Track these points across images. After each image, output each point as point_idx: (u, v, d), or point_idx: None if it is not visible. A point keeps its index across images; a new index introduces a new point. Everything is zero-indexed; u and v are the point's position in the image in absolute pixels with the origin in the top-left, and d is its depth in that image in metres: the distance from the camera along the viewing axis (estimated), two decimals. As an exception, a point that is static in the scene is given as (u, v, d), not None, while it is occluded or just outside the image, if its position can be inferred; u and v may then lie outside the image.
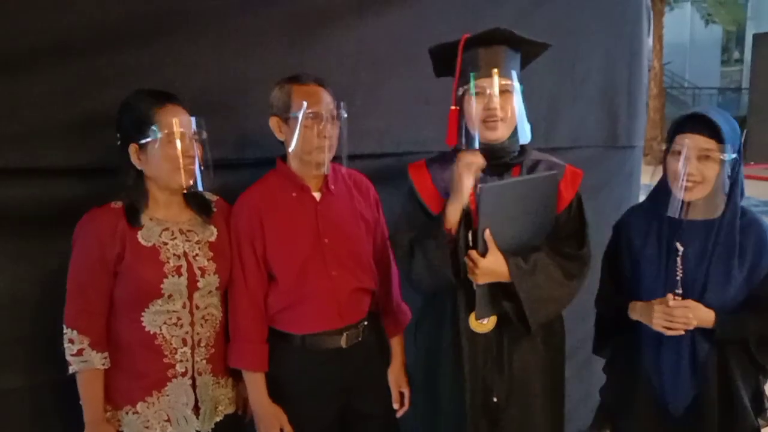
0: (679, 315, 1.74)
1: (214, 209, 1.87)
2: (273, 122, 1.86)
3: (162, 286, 1.72)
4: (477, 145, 1.74)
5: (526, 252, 1.77)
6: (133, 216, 1.73)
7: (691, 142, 1.71)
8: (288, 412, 1.90)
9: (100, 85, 1.85)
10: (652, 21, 3.26)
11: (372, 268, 1.97)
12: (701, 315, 1.75)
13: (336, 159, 1.90)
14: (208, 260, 1.81)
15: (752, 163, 13.45)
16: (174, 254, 1.76)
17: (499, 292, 1.76)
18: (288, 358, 1.90)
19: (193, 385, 1.80)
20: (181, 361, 1.78)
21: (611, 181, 2.98)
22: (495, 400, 1.82)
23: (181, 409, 1.79)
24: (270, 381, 1.89)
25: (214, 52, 2.02)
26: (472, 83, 1.73)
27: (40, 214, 1.83)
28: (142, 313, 1.74)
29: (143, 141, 1.69)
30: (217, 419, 1.86)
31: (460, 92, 1.79)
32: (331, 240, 1.89)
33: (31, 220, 1.82)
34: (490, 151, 1.77)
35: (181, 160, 1.69)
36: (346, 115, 1.86)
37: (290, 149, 1.84)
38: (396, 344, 2.07)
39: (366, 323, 1.97)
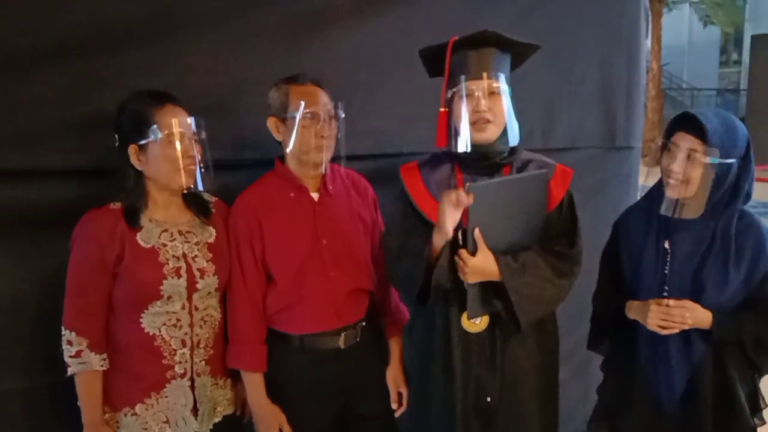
0: (676, 315, 1.75)
1: (213, 210, 1.87)
2: (271, 123, 1.87)
3: (161, 287, 1.72)
4: (468, 148, 1.75)
5: (517, 251, 1.77)
6: (132, 217, 1.73)
7: (679, 141, 1.73)
8: (287, 413, 1.90)
9: (99, 86, 1.85)
10: (650, 22, 3.26)
11: (370, 268, 1.97)
12: (698, 315, 1.75)
13: (334, 159, 1.91)
14: (207, 261, 1.81)
15: (750, 164, 13.49)
16: (173, 255, 1.76)
17: (490, 291, 1.77)
18: (286, 358, 1.90)
19: (192, 387, 1.80)
20: (180, 362, 1.78)
21: (609, 182, 2.98)
22: (488, 400, 1.83)
23: (180, 411, 1.79)
24: (268, 381, 1.90)
25: (212, 53, 2.02)
26: (461, 86, 1.75)
27: (39, 215, 1.83)
28: (142, 315, 1.73)
29: (143, 142, 1.69)
30: (216, 420, 1.86)
31: (449, 94, 1.80)
32: (329, 241, 1.89)
33: (30, 221, 1.82)
34: (479, 152, 1.78)
35: (181, 161, 1.69)
36: (343, 116, 1.86)
37: (288, 150, 1.84)
38: (394, 344, 2.07)
39: (364, 324, 1.97)
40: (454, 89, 1.77)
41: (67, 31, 1.80)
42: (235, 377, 1.92)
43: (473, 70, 1.75)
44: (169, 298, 1.74)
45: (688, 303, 1.76)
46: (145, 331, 1.74)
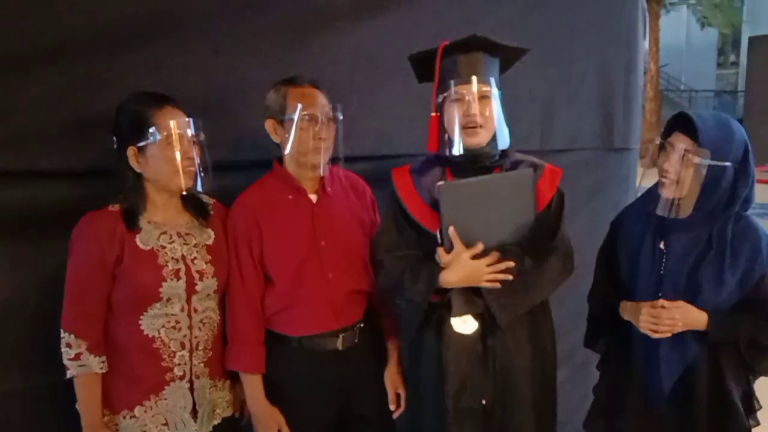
0: (666, 317, 1.75)
1: (211, 212, 1.87)
2: (269, 124, 1.87)
3: (160, 289, 1.72)
4: (459, 152, 1.77)
5: (494, 248, 1.77)
6: (131, 219, 1.73)
7: (674, 141, 1.74)
8: (285, 414, 1.90)
9: (98, 88, 1.85)
10: (648, 23, 3.27)
11: (368, 270, 1.97)
12: (694, 316, 1.76)
13: (333, 161, 1.91)
14: (206, 263, 1.81)
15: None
16: (172, 258, 1.75)
17: (470, 289, 1.77)
18: (285, 359, 1.90)
19: (191, 389, 1.80)
20: (179, 364, 1.78)
21: (607, 183, 2.99)
22: (483, 402, 1.82)
23: (179, 413, 1.78)
24: (267, 383, 1.90)
25: (211, 55, 2.02)
26: (451, 90, 1.76)
27: (38, 216, 1.83)
28: (141, 317, 1.73)
29: (142, 143, 1.69)
30: (215, 422, 1.86)
31: (440, 99, 1.80)
32: (327, 242, 1.89)
33: (29, 222, 1.82)
34: (470, 156, 1.79)
35: (180, 162, 1.69)
36: (341, 117, 1.86)
37: (286, 151, 1.85)
38: (392, 345, 2.07)
39: (362, 325, 1.97)
40: (445, 94, 1.78)
41: (66, 32, 1.80)
42: (233, 379, 1.92)
43: (463, 74, 1.76)
44: (168, 300, 1.74)
45: (681, 304, 1.76)
46: (144, 333, 1.74)
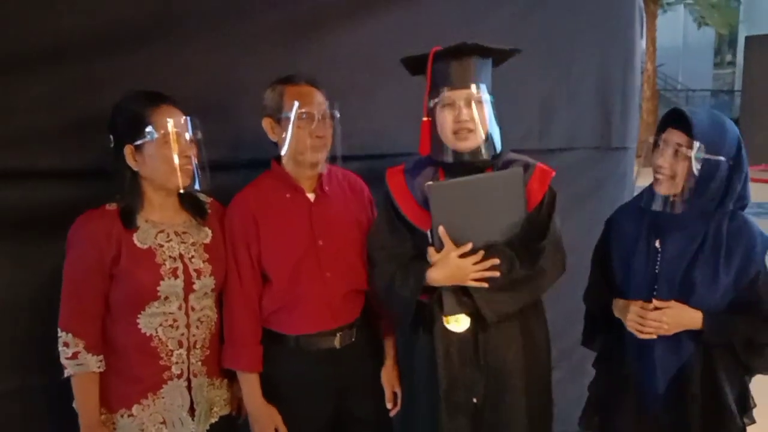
0: (652, 317, 1.76)
1: (209, 211, 1.87)
2: (266, 123, 1.87)
3: (158, 288, 1.72)
4: (450, 159, 1.79)
5: (485, 247, 1.77)
6: (128, 218, 1.72)
7: (667, 137, 1.75)
8: (282, 413, 1.91)
9: (96, 88, 1.85)
10: (645, 23, 3.26)
11: (366, 269, 1.97)
12: (688, 316, 1.76)
13: (330, 159, 1.91)
14: (203, 262, 1.81)
15: (745, 164, 13.51)
16: (170, 256, 1.75)
17: (461, 289, 1.78)
18: (282, 358, 1.90)
19: (189, 387, 1.80)
20: (177, 363, 1.78)
21: (605, 183, 2.99)
22: (474, 400, 1.83)
23: (177, 411, 1.79)
24: (264, 381, 1.90)
25: (208, 54, 2.02)
26: (443, 96, 1.76)
27: (35, 216, 1.83)
28: (138, 316, 1.73)
29: (139, 142, 1.68)
30: (213, 421, 1.86)
31: (431, 104, 1.80)
32: (325, 241, 1.90)
33: (26, 222, 1.82)
34: (462, 160, 1.80)
35: (177, 161, 1.69)
36: (338, 115, 1.86)
37: (283, 150, 1.85)
38: (389, 344, 2.07)
39: (359, 324, 1.98)
40: (436, 99, 1.79)
41: (64, 32, 1.81)
42: (231, 377, 1.92)
43: (454, 80, 1.77)
44: (166, 298, 1.74)
45: (674, 304, 1.77)
46: (142, 332, 1.74)
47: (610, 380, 1.99)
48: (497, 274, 1.74)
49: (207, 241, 1.84)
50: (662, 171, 1.75)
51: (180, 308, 1.77)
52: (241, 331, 1.87)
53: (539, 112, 2.74)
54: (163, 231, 1.77)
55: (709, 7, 19.37)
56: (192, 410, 1.81)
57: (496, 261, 1.74)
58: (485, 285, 1.75)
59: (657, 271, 1.82)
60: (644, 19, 3.20)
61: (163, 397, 1.77)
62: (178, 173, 1.70)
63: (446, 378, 1.82)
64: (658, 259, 1.82)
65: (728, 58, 23.79)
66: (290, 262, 1.87)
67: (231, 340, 1.87)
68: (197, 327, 1.81)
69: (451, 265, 1.74)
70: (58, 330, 1.70)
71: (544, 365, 1.95)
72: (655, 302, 1.78)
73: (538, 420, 1.90)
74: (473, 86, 1.77)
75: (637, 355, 1.88)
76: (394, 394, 2.05)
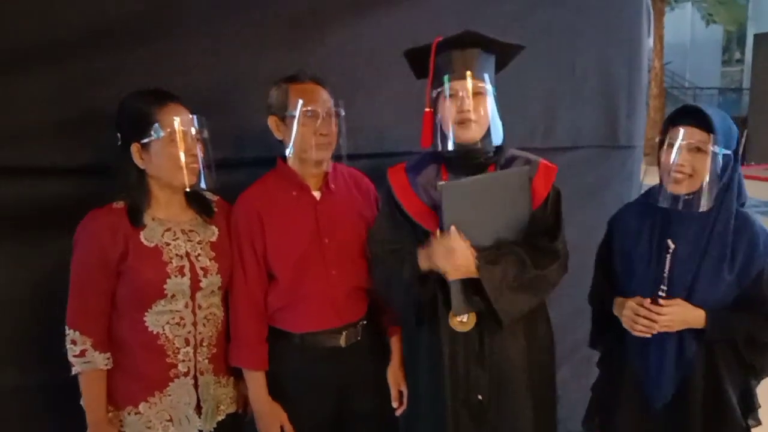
0: (645, 315, 1.76)
1: (215, 209, 1.88)
2: (271, 121, 1.87)
3: (165, 286, 1.73)
4: (452, 148, 1.77)
5: (496, 247, 1.77)
6: (135, 216, 1.73)
7: (683, 134, 1.73)
8: (288, 410, 1.91)
9: (99, 84, 1.85)
10: (652, 21, 3.25)
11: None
12: (692, 314, 1.76)
13: (335, 158, 1.91)
14: (210, 260, 1.81)
15: (753, 163, 13.44)
16: (176, 254, 1.76)
17: (472, 288, 1.77)
18: (287, 356, 1.90)
19: (195, 385, 1.81)
20: (184, 360, 1.78)
21: (611, 181, 2.98)
22: (479, 398, 1.82)
23: (184, 409, 1.79)
24: (270, 379, 1.90)
25: (213, 52, 2.03)
26: (445, 86, 1.76)
27: (37, 213, 1.84)
28: (145, 314, 1.74)
29: (145, 140, 1.69)
30: (219, 418, 1.87)
31: (434, 94, 1.80)
32: (330, 239, 1.90)
33: (25, 219, 1.83)
34: (464, 152, 1.79)
35: (183, 159, 1.70)
36: (343, 113, 1.86)
37: (288, 148, 1.85)
38: (395, 343, 2.07)
39: (365, 322, 1.98)
40: (439, 89, 1.78)
41: (65, 29, 1.81)
42: (237, 375, 1.92)
43: (457, 70, 1.76)
44: (173, 296, 1.75)
45: (680, 302, 1.76)
46: (149, 329, 1.74)
47: (613, 380, 1.98)
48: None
49: (213, 239, 1.84)
50: (683, 170, 1.72)
51: (187, 306, 1.78)
52: (247, 330, 1.87)
53: (544, 111, 2.73)
54: (170, 229, 1.78)
55: (716, 4, 19.26)
56: (199, 408, 1.82)
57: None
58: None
59: (667, 269, 1.80)
60: (651, 17, 3.19)
61: (169, 395, 1.77)
62: (185, 171, 1.71)
63: (451, 376, 1.82)
64: (667, 257, 1.81)
65: (736, 55, 23.65)
66: (295, 259, 1.87)
67: (236, 339, 1.87)
68: (204, 325, 1.81)
69: (459, 256, 1.72)
70: (66, 328, 1.71)
71: (548, 364, 1.94)
72: (661, 301, 1.77)
73: (542, 419, 1.90)
74: (477, 76, 1.76)
75: (639, 355, 1.87)
76: (400, 393, 2.05)
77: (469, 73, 1.75)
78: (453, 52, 1.77)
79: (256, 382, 1.89)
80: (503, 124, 1.84)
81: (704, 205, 1.74)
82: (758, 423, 1.86)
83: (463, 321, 1.82)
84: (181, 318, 1.77)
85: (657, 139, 1.81)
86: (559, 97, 2.76)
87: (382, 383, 2.04)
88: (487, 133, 1.80)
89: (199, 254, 1.80)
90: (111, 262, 1.70)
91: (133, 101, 1.72)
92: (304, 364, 1.91)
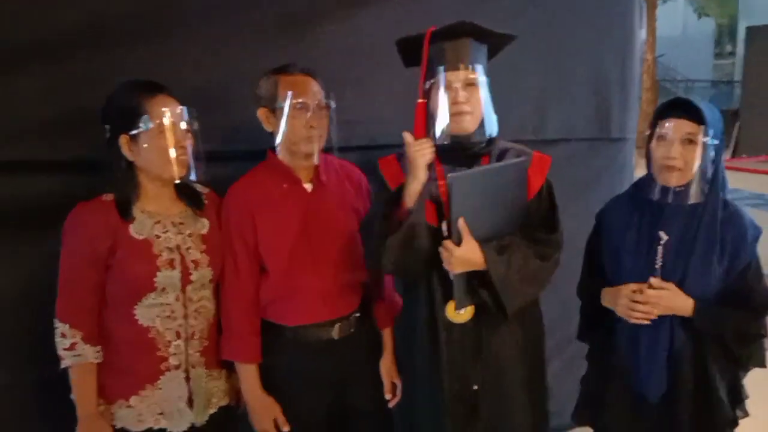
0: (644, 300, 1.76)
1: (205, 201, 1.86)
2: (261, 113, 1.86)
3: (155, 279, 1.72)
4: (447, 140, 1.75)
5: (500, 239, 1.77)
6: (124, 209, 1.72)
7: (673, 126, 1.73)
8: (281, 403, 1.91)
9: (91, 80, 1.85)
10: (644, 14, 3.25)
11: (363, 259, 1.97)
12: (680, 302, 1.76)
13: (326, 150, 1.90)
14: (200, 253, 1.80)
15: (744, 156, 13.50)
16: (167, 247, 1.75)
17: (476, 280, 1.77)
18: (280, 349, 1.90)
19: (187, 378, 1.80)
20: (175, 354, 1.78)
21: (603, 174, 2.99)
22: (475, 388, 1.83)
23: (175, 402, 1.79)
24: (263, 372, 1.90)
25: (205, 45, 2.02)
26: (440, 76, 1.74)
27: (27, 209, 1.84)
28: (135, 307, 1.73)
29: (134, 132, 1.67)
30: (212, 411, 1.86)
31: (427, 85, 1.78)
32: (322, 232, 1.89)
33: (17, 215, 1.83)
34: (458, 143, 1.78)
35: (173, 151, 1.68)
36: (334, 105, 1.85)
37: (278, 140, 1.84)
38: (387, 335, 2.07)
39: (358, 315, 1.98)
40: (432, 80, 1.77)
41: (62, 27, 1.81)
42: (229, 368, 1.92)
43: (451, 60, 1.75)
44: (163, 289, 1.74)
45: (671, 286, 1.77)
46: (139, 323, 1.74)
47: (601, 373, 1.99)
48: None
49: (204, 231, 1.83)
50: (674, 162, 1.73)
51: (177, 299, 1.77)
52: (239, 323, 1.87)
53: (536, 103, 2.73)
54: (160, 222, 1.76)
55: (708, -2, 19.32)
56: (190, 401, 1.81)
57: None
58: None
59: (659, 261, 1.81)
60: (644, 10, 3.19)
61: (161, 388, 1.77)
62: (174, 164, 1.69)
63: (448, 368, 1.82)
64: (659, 249, 1.81)
65: (728, 48, 23.74)
66: (287, 252, 1.86)
67: (228, 332, 1.87)
68: (195, 318, 1.80)
69: (468, 250, 1.71)
70: (55, 321, 1.70)
71: (540, 355, 1.96)
72: (653, 281, 1.78)
73: (536, 409, 1.91)
74: (470, 67, 1.75)
75: (628, 347, 1.88)
76: (393, 385, 2.05)
77: (462, 64, 1.74)
78: (447, 43, 1.76)
79: (249, 376, 1.89)
80: (496, 117, 1.83)
81: (695, 196, 1.75)
82: (746, 414, 1.87)
83: (460, 313, 1.82)
84: (172, 311, 1.76)
85: (646, 133, 1.81)
86: (551, 90, 2.77)
87: (376, 376, 2.04)
88: (481, 124, 1.80)
89: (189, 247, 1.79)
90: (100, 255, 1.69)
91: (122, 92, 1.70)
92: (298, 357, 1.91)
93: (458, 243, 1.73)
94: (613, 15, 2.91)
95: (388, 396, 2.05)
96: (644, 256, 1.83)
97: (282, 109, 1.80)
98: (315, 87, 1.84)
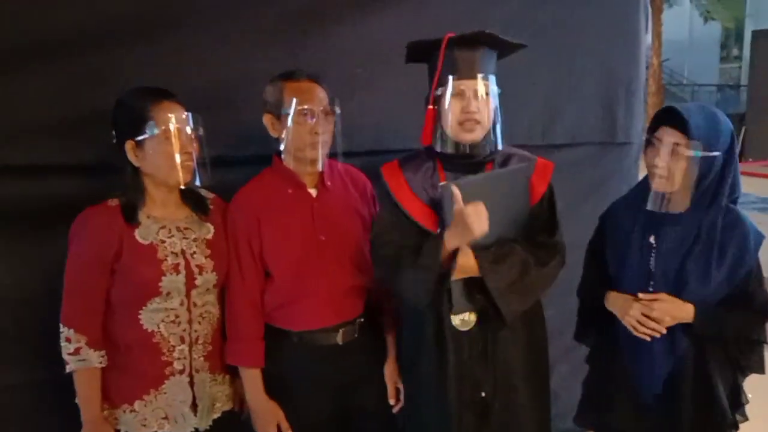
0: (656, 315, 1.75)
1: (211, 207, 1.87)
2: (267, 119, 1.86)
3: (160, 284, 1.72)
4: (454, 149, 1.75)
5: (496, 245, 1.76)
6: (130, 213, 1.72)
7: (662, 135, 1.73)
8: (285, 409, 1.91)
9: (97, 82, 1.85)
10: (650, 18, 3.24)
11: (368, 264, 1.96)
12: (681, 309, 1.76)
13: (331, 155, 1.90)
14: (205, 258, 1.80)
15: (750, 159, 13.45)
16: (172, 252, 1.75)
17: (474, 286, 1.77)
18: (284, 354, 1.90)
19: (191, 383, 1.81)
20: (179, 358, 1.78)
21: (610, 178, 2.98)
22: (483, 395, 1.82)
23: (179, 407, 1.79)
24: (266, 377, 1.90)
25: (210, 49, 2.02)
26: (452, 85, 1.72)
27: (37, 211, 1.84)
28: (140, 311, 1.73)
29: (140, 138, 1.68)
30: (215, 416, 1.86)
31: (439, 92, 1.76)
32: (327, 237, 1.89)
33: (28, 217, 1.83)
34: (464, 152, 1.77)
35: (178, 157, 1.69)
36: (339, 111, 1.85)
37: (283, 147, 1.83)
38: (392, 340, 2.07)
39: (362, 320, 1.97)
40: (444, 87, 1.74)
41: (64, 27, 1.80)
42: (233, 373, 1.92)
43: (465, 69, 1.73)
44: (168, 294, 1.74)
45: (666, 297, 1.77)
46: (144, 327, 1.74)
47: (603, 375, 1.99)
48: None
49: (209, 236, 1.84)
50: (658, 171, 1.73)
51: (182, 304, 1.77)
52: (243, 327, 1.87)
53: (543, 108, 2.73)
54: (165, 227, 1.77)
55: (714, 2, 19.23)
56: (194, 406, 1.81)
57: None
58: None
59: (651, 266, 1.81)
60: (650, 14, 3.18)
61: (165, 393, 1.77)
62: (179, 169, 1.70)
63: (456, 374, 1.81)
64: (653, 254, 1.81)
65: (734, 52, 23.67)
66: (292, 257, 1.86)
67: (233, 336, 1.87)
68: (199, 323, 1.81)
69: (463, 221, 1.67)
70: (60, 325, 1.70)
71: (544, 358, 1.95)
72: (641, 295, 1.78)
73: (539, 405, 1.91)
74: (484, 77, 1.74)
75: (630, 350, 1.87)
76: (397, 390, 2.05)
77: (477, 73, 1.73)
78: (461, 51, 1.74)
79: (253, 380, 1.89)
80: (502, 122, 1.82)
81: (679, 205, 1.76)
82: (745, 419, 1.87)
83: (464, 320, 1.81)
84: (176, 316, 1.76)
85: (644, 137, 1.81)
86: (557, 95, 2.76)
87: (380, 381, 2.04)
88: (488, 135, 1.78)
89: (194, 252, 1.79)
90: (106, 259, 1.69)
91: (128, 98, 1.71)
92: (302, 362, 1.90)
93: None
94: (620, 20, 2.91)
95: (391, 401, 2.04)
96: (639, 261, 1.83)
97: (287, 115, 1.80)
98: (320, 93, 1.84)
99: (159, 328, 1.75)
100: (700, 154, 1.68)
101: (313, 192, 1.91)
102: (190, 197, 1.83)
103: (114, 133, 1.72)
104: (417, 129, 1.83)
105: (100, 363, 1.72)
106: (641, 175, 1.97)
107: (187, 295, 1.77)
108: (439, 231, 1.75)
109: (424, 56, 1.82)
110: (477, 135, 1.76)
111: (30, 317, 1.86)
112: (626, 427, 1.92)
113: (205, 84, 2.00)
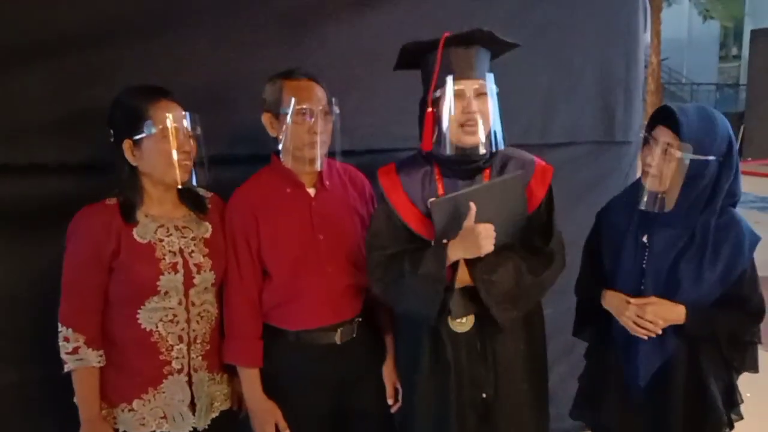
0: (649, 317, 1.76)
1: (209, 205, 1.86)
2: (265, 118, 1.86)
3: (158, 283, 1.72)
4: (455, 151, 1.72)
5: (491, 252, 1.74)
6: (128, 212, 1.72)
7: (657, 135, 1.73)
8: (283, 408, 1.90)
9: (94, 82, 1.85)
10: (649, 16, 3.24)
11: (366, 267, 1.96)
12: (673, 311, 1.76)
13: (330, 155, 1.90)
14: (203, 257, 1.80)
15: (750, 159, 13.46)
16: (170, 251, 1.75)
17: (469, 293, 1.77)
18: (282, 354, 1.89)
19: (189, 382, 1.80)
20: (177, 357, 1.78)
21: (607, 177, 2.98)
22: (484, 396, 1.82)
23: (177, 406, 1.79)
24: (264, 376, 1.89)
25: (208, 48, 2.02)
26: (449, 85, 1.69)
27: (35, 210, 1.83)
28: (138, 311, 1.73)
29: (137, 137, 1.68)
30: (213, 415, 1.86)
31: (438, 93, 1.73)
32: (325, 236, 1.89)
33: (25, 216, 1.83)
34: (462, 155, 1.75)
35: (175, 156, 1.68)
36: (338, 111, 1.84)
37: (281, 146, 1.83)
38: (390, 340, 2.07)
39: (360, 319, 1.97)
40: (443, 88, 1.71)
41: (62, 26, 1.80)
42: (231, 372, 1.92)
43: (464, 69, 1.71)
44: (166, 293, 1.74)
45: (656, 300, 1.77)
46: (142, 326, 1.74)
47: (597, 372, 2.00)
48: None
49: (207, 235, 1.83)
50: (650, 170, 1.73)
51: (180, 303, 1.77)
52: (241, 326, 1.87)
53: (541, 107, 2.73)
54: (163, 226, 1.77)
55: (714, 0, 19.25)
56: (193, 405, 1.81)
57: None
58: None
59: (644, 265, 1.81)
60: (648, 12, 3.18)
61: (163, 392, 1.77)
62: (176, 168, 1.69)
63: (456, 376, 1.81)
64: (646, 253, 1.81)
65: (733, 51, 23.69)
66: (290, 256, 1.86)
67: (231, 335, 1.87)
68: (197, 322, 1.80)
69: (473, 237, 1.67)
70: (58, 325, 1.70)
71: (543, 357, 1.95)
72: (632, 300, 1.79)
73: (540, 411, 1.92)
74: (484, 77, 1.73)
75: (622, 347, 1.88)
76: (396, 390, 2.04)
77: (476, 73, 1.71)
78: (459, 50, 1.72)
79: (251, 380, 1.88)
80: (502, 127, 1.80)
81: (664, 206, 1.76)
82: (740, 417, 1.87)
83: (461, 322, 1.81)
84: (175, 315, 1.76)
85: (641, 135, 1.81)
86: (555, 94, 2.76)
87: (378, 380, 2.04)
88: (489, 136, 1.76)
89: (192, 251, 1.79)
90: (104, 258, 1.69)
91: (126, 97, 1.71)
92: (300, 361, 1.90)
93: None
94: (618, 19, 2.91)
95: (390, 401, 2.04)
96: (632, 259, 1.83)
97: (286, 114, 1.79)
98: (319, 92, 1.83)
99: (157, 327, 1.74)
100: (690, 156, 1.68)
101: (311, 191, 1.91)
102: (188, 196, 1.82)
103: (111, 132, 1.71)
104: (415, 128, 1.83)
105: (99, 362, 1.72)
106: (639, 174, 1.97)
107: (186, 294, 1.77)
108: (436, 241, 1.74)
109: (418, 59, 1.79)
110: (478, 137, 1.72)
111: (28, 316, 1.86)
112: (619, 421, 1.92)
113: (203, 83, 2.00)
